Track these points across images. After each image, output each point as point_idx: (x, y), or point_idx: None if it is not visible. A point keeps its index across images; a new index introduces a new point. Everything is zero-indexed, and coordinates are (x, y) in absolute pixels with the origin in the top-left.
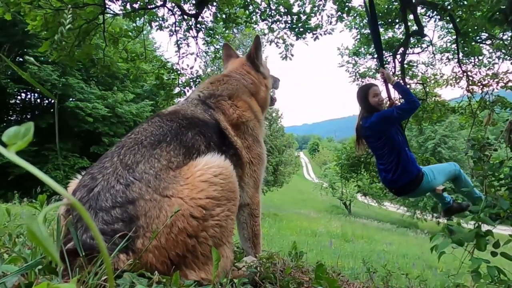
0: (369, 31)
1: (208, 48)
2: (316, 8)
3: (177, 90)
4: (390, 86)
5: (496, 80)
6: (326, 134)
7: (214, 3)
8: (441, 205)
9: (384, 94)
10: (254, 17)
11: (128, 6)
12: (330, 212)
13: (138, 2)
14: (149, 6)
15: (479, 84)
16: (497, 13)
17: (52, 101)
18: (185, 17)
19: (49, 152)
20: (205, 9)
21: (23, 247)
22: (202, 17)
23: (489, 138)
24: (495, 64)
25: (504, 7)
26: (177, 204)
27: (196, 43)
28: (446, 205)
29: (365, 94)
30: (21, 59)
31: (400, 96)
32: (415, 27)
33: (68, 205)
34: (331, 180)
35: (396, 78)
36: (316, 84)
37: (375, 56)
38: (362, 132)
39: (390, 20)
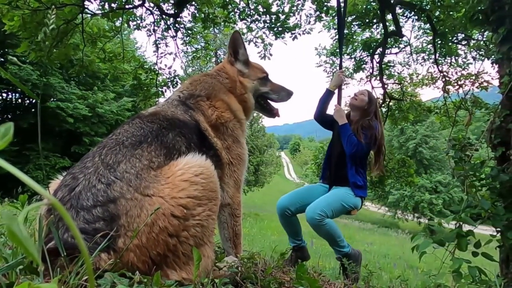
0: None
1: (187, 48)
2: (294, 8)
3: (154, 90)
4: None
5: (471, 80)
6: (307, 134)
7: (193, 3)
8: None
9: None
10: (232, 16)
11: (106, 6)
12: None
13: (116, 2)
14: (127, 6)
15: (455, 84)
16: (478, 13)
17: (33, 101)
18: (164, 16)
19: (30, 152)
20: (184, 9)
21: (4, 247)
22: (181, 17)
23: (470, 138)
24: (470, 64)
25: (483, 8)
26: (158, 203)
27: (175, 43)
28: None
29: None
30: (1, 59)
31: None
32: (392, 27)
33: (49, 205)
34: (312, 180)
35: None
36: (297, 83)
37: (352, 56)
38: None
39: (368, 20)
